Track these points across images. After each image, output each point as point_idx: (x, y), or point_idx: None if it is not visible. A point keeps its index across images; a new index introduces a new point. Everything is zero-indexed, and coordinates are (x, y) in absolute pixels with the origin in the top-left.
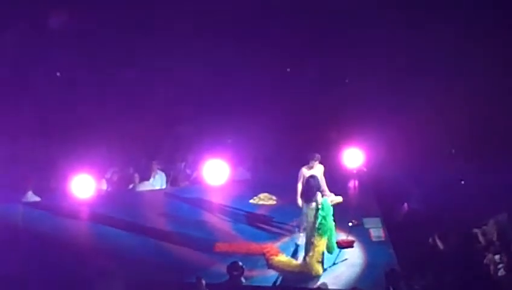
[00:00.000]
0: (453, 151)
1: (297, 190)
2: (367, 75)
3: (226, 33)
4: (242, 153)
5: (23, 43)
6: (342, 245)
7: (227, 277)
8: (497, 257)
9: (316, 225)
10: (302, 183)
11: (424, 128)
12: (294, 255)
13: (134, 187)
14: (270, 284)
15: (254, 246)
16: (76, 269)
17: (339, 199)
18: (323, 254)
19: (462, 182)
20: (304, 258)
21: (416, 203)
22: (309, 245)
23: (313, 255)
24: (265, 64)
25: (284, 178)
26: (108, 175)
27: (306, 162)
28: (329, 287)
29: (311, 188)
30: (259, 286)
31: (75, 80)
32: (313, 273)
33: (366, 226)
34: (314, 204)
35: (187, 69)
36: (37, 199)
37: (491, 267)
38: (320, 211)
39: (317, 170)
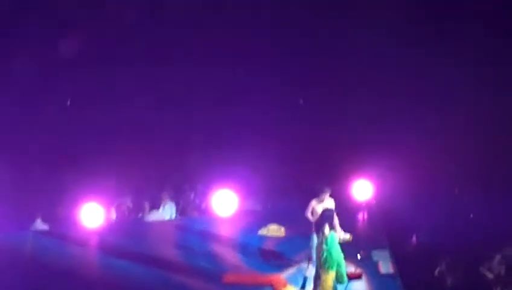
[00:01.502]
0: (456, 191)
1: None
2: (376, 106)
3: (237, 62)
4: (252, 183)
5: (33, 71)
6: (351, 277)
7: None
8: None
9: (322, 259)
10: (313, 215)
11: (433, 160)
12: (302, 287)
13: (143, 217)
14: None
15: (262, 278)
16: None
17: (348, 236)
18: (332, 287)
19: (471, 216)
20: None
21: (425, 236)
22: (318, 279)
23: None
24: (276, 94)
25: (294, 209)
26: (117, 204)
27: (315, 193)
28: None
29: (325, 221)
30: None
31: (85, 108)
32: None
33: (375, 258)
34: (321, 236)
35: (198, 98)
36: (46, 227)
37: None
38: (324, 245)
39: (328, 203)
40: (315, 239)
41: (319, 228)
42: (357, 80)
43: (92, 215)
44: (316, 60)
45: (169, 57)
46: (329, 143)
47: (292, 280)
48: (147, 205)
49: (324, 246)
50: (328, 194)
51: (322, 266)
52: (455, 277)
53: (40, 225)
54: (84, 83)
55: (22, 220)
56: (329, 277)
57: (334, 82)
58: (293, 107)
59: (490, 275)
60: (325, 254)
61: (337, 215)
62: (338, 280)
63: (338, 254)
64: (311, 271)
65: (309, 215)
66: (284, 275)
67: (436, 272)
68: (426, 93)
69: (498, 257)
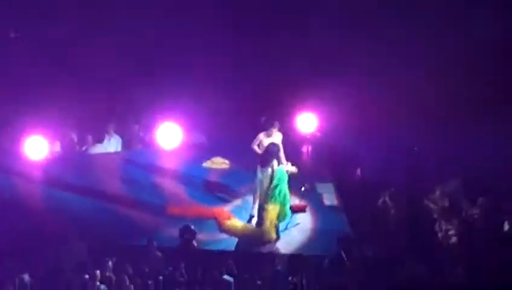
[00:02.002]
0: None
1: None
2: (322, 39)
3: None
4: (196, 116)
5: None
6: (295, 210)
7: (179, 240)
8: (448, 224)
9: (270, 192)
10: (260, 148)
11: (378, 94)
12: (248, 221)
13: (87, 150)
14: (221, 247)
15: (206, 210)
16: (28, 232)
17: (294, 169)
18: (275, 220)
19: (415, 149)
20: (258, 223)
21: (368, 169)
22: (262, 211)
23: (267, 221)
24: (224, 30)
25: (239, 142)
26: (61, 137)
27: (261, 126)
28: (281, 251)
29: (270, 155)
30: (211, 250)
31: (27, 40)
32: (266, 238)
33: (319, 191)
34: (269, 171)
35: (144, 31)
36: None
37: (442, 234)
38: (274, 179)
39: (276, 137)
40: (259, 173)
41: (264, 162)
42: (305, 14)
43: (36, 148)
44: None
45: None
46: (275, 76)
47: (236, 213)
48: (90, 138)
49: (275, 180)
50: (276, 129)
51: (268, 199)
52: (398, 208)
53: None
54: (24, 14)
55: None
56: (274, 210)
57: (281, 16)
58: (239, 41)
59: (434, 207)
60: (272, 187)
61: (283, 148)
62: (280, 216)
63: (286, 190)
64: (255, 205)
65: (255, 148)
66: (228, 207)
67: (379, 203)
68: (372, 27)
69: (440, 190)
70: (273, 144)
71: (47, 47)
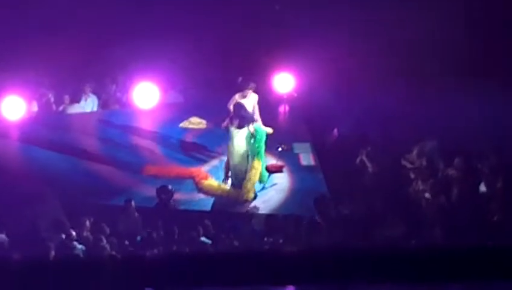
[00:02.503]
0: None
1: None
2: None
3: None
4: (173, 76)
5: None
6: (271, 170)
7: (157, 200)
8: (425, 184)
9: (254, 152)
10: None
11: (355, 52)
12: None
13: (64, 110)
14: (199, 207)
15: (183, 170)
16: (3, 191)
17: (269, 130)
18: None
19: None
20: (234, 184)
21: (346, 129)
22: (238, 171)
23: (249, 181)
24: None
25: (215, 102)
26: (38, 97)
27: (237, 87)
28: (258, 211)
29: (241, 117)
30: (188, 210)
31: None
32: (244, 198)
33: (296, 151)
34: (246, 131)
35: None
36: None
37: (419, 195)
38: (256, 138)
39: (251, 98)
40: (232, 132)
41: (237, 122)
42: None
43: (13, 107)
44: None
45: None
46: (251, 36)
47: (213, 173)
48: (67, 98)
49: (257, 138)
50: (252, 90)
51: (256, 156)
52: (375, 168)
53: None
54: None
55: None
56: (258, 170)
57: None
58: (216, 0)
59: (411, 167)
60: (257, 144)
61: (259, 108)
62: (261, 177)
63: (263, 149)
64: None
65: (231, 108)
66: (206, 167)
67: (356, 163)
68: None
69: (417, 150)
70: (238, 104)
71: (22, 3)
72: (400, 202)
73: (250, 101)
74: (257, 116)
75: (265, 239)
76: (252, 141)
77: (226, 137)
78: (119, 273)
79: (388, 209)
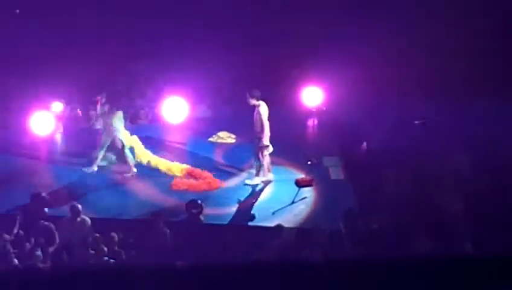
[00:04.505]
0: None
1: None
2: (329, 12)
3: None
4: (202, 90)
5: None
6: (302, 184)
7: (186, 215)
8: (455, 197)
9: None
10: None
11: (385, 67)
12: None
13: (93, 125)
14: (228, 222)
15: (213, 184)
16: (33, 209)
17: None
18: None
19: (422, 122)
20: None
21: (375, 143)
22: None
23: None
24: (229, 2)
25: (244, 116)
26: (67, 112)
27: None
28: (288, 225)
29: None
30: (217, 224)
31: (33, 14)
32: None
33: (326, 164)
34: None
35: (149, 5)
36: None
37: (448, 207)
38: None
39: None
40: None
41: None
42: None
43: (42, 123)
44: None
45: None
46: (280, 50)
47: (241, 188)
48: (95, 114)
49: None
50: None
51: None
52: (404, 180)
53: None
54: None
55: None
56: None
57: None
58: (244, 14)
59: (440, 180)
60: None
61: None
62: None
63: None
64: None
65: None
66: (235, 181)
67: (385, 176)
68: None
69: (446, 162)
70: None
71: (49, 18)
72: (428, 214)
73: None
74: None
75: (295, 252)
76: None
77: (255, 151)
78: (150, 287)
79: (417, 222)
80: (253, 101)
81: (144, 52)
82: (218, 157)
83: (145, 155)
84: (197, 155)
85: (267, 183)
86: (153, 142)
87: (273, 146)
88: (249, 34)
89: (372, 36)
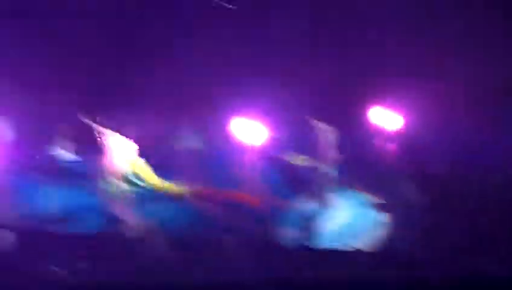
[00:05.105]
0: None
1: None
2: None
3: None
4: (277, 111)
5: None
6: (376, 207)
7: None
8: None
9: None
10: None
11: (454, 91)
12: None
13: (168, 147)
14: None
15: (287, 206)
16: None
17: None
18: None
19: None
20: None
21: (443, 163)
22: None
23: None
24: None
25: (318, 138)
26: (142, 135)
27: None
28: (364, 248)
29: None
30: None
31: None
32: None
33: (401, 187)
34: None
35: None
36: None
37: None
38: None
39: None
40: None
41: None
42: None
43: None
44: None
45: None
46: (350, 68)
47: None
48: (170, 135)
49: None
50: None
51: None
52: (471, 197)
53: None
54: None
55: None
56: None
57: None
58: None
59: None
60: None
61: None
62: None
63: None
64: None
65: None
66: (310, 204)
67: (454, 195)
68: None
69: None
70: None
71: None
72: (492, 230)
73: None
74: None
75: (372, 275)
76: None
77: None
78: None
79: (482, 240)
80: (318, 123)
81: (222, 74)
82: (294, 178)
83: (151, 177)
84: (273, 176)
85: (338, 206)
86: (230, 163)
87: (343, 169)
88: (321, 55)
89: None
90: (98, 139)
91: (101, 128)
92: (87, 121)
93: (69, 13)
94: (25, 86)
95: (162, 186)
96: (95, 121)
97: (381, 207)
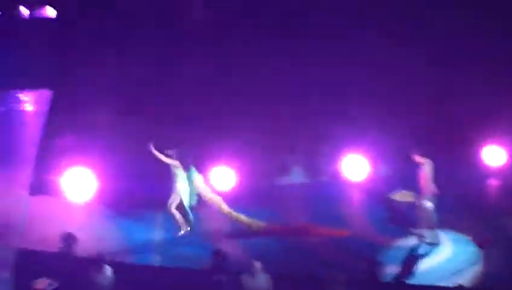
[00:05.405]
0: None
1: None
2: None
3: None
4: (383, 149)
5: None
6: (481, 244)
7: (367, 273)
8: None
9: None
10: None
11: None
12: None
13: (273, 181)
14: (416, 281)
15: (391, 242)
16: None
17: None
18: None
19: None
20: None
21: None
22: None
23: None
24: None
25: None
26: (247, 168)
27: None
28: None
29: None
30: (406, 282)
31: (216, 75)
32: None
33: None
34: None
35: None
36: None
37: None
38: None
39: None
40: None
41: None
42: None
43: (223, 178)
44: None
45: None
46: (461, 107)
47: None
48: (276, 169)
49: None
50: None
51: None
52: None
53: None
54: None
55: None
56: None
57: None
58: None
59: None
60: None
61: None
62: None
63: None
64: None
65: None
66: (414, 241)
67: None
68: None
69: None
70: None
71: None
72: None
73: None
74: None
75: None
76: None
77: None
78: None
79: None
80: (418, 158)
81: (327, 111)
82: (398, 215)
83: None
84: (377, 212)
85: (440, 243)
86: (334, 199)
87: (447, 205)
88: (426, 92)
89: None
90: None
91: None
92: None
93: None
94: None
95: (250, 222)
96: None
97: (482, 244)
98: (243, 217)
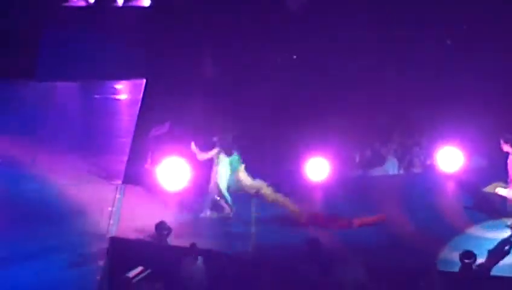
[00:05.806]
0: None
1: None
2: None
3: None
4: (478, 140)
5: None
6: None
7: (459, 264)
8: None
9: None
10: None
11: None
12: None
13: (367, 172)
14: (503, 273)
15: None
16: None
17: None
18: None
19: None
20: None
21: None
22: None
23: None
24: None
25: None
26: (343, 159)
27: None
28: None
29: None
30: (493, 275)
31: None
32: None
33: None
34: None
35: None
36: None
37: None
38: None
39: None
40: None
41: None
42: None
43: (318, 169)
44: None
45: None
46: None
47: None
48: (371, 161)
49: None
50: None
51: None
52: None
53: None
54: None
55: None
56: None
57: None
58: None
59: None
60: None
61: None
62: None
63: None
64: None
65: None
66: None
67: None
68: None
69: None
70: None
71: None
72: None
73: None
74: None
75: None
76: None
77: None
78: None
79: None
80: (507, 147)
81: (421, 102)
82: (495, 208)
83: (273, 195)
84: (473, 204)
85: None
86: (428, 191)
87: None
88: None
89: None
90: None
91: None
92: None
93: None
94: None
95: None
96: None
97: None
98: (289, 203)
